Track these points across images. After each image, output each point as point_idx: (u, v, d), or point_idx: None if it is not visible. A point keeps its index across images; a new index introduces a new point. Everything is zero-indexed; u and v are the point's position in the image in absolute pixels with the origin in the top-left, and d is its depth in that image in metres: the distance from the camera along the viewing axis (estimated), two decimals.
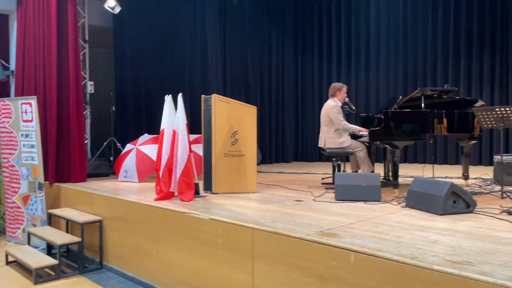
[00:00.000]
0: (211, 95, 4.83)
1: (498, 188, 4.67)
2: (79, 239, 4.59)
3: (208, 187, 4.86)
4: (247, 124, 4.88)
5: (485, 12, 8.07)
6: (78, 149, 5.78)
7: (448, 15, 8.47)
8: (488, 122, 4.49)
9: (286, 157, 9.87)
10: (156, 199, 4.36)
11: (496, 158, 5.33)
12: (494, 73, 8.08)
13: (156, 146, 5.03)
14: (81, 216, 4.83)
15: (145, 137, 6.34)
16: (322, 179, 6.19)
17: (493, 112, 4.36)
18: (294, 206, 3.98)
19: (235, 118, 4.83)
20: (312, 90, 10.15)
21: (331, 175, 5.66)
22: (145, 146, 6.06)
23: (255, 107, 5.00)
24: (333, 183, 4.86)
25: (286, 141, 9.90)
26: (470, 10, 8.24)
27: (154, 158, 5.10)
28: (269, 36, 9.59)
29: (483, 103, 5.38)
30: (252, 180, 4.90)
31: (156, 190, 4.62)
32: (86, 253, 4.81)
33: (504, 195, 4.28)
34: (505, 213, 3.49)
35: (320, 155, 9.79)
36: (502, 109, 4.27)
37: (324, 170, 7.61)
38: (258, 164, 8.55)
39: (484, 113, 4.46)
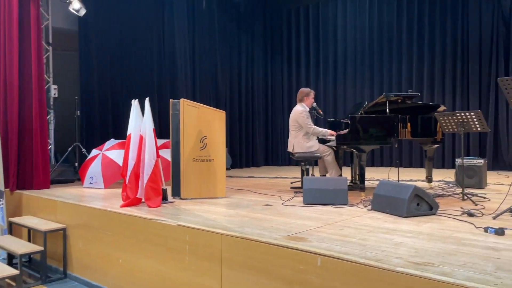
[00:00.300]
0: (179, 99, 4.79)
1: (459, 190, 4.83)
2: (41, 248, 4.43)
3: (176, 192, 4.80)
4: (216, 129, 4.86)
5: (447, 22, 8.36)
6: (41, 155, 5.60)
7: (412, 24, 8.73)
8: (450, 127, 4.65)
9: (256, 162, 9.88)
10: (123, 206, 4.27)
11: (458, 161, 5.52)
12: (456, 79, 8.37)
13: (122, 152, 4.92)
14: (43, 224, 4.67)
15: (112, 142, 6.22)
16: (291, 183, 6.23)
17: (454, 117, 4.51)
18: (263, 211, 3.98)
19: (204, 123, 4.80)
20: (282, 95, 10.23)
21: (300, 179, 5.70)
22: (111, 151, 5.94)
23: (224, 111, 4.99)
24: (302, 187, 4.90)
25: (256, 145, 9.91)
26: (432, 20, 8.52)
27: (121, 163, 4.99)
28: (239, 42, 9.61)
29: (445, 108, 5.56)
30: (221, 185, 4.87)
31: (122, 197, 4.52)
32: (49, 263, 4.64)
33: (465, 197, 4.42)
34: (466, 215, 3.61)
35: (290, 159, 9.85)
36: (463, 114, 4.43)
37: (293, 174, 7.65)
38: (227, 168, 8.53)
39: (445, 118, 4.61)
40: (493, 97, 7.94)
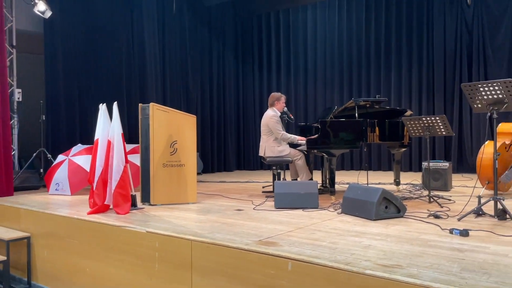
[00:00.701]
0: (149, 104, 4.72)
1: (426, 193, 4.95)
2: (4, 258, 4.25)
3: (146, 198, 4.72)
4: (186, 134, 4.82)
5: (413, 30, 8.58)
6: (3, 161, 5.38)
7: (380, 32, 8.92)
8: (416, 131, 4.77)
9: (228, 166, 9.84)
10: (90, 213, 4.16)
11: (424, 164, 5.66)
12: (422, 85, 8.61)
13: (90, 157, 4.80)
14: (6, 233, 4.48)
15: (79, 147, 6.07)
16: (263, 187, 6.24)
17: (420, 121, 4.63)
18: (234, 216, 3.97)
19: (174, 127, 4.76)
20: (253, 99, 10.24)
21: (272, 184, 5.71)
22: (78, 157, 5.79)
23: (195, 116, 4.96)
24: (273, 191, 4.91)
25: (228, 150, 9.87)
26: (399, 28, 8.74)
27: (88, 169, 4.86)
28: (210, 46, 9.57)
29: (412, 112, 5.70)
30: (192, 190, 4.83)
31: (89, 204, 4.42)
32: (12, 273, 4.46)
33: (431, 200, 4.54)
34: (432, 217, 3.70)
35: (261, 164, 9.86)
36: (428, 118, 4.56)
37: (265, 178, 7.67)
38: (199, 173, 8.46)
39: (412, 122, 4.72)
40: (457, 102, 8.21)
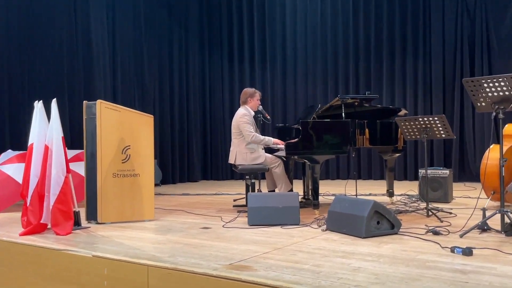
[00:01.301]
0: (95, 101, 4.66)
1: (423, 205, 5.05)
2: None
3: (92, 216, 4.67)
4: (142, 137, 4.79)
5: (407, 16, 8.80)
6: None
7: (370, 16, 9.11)
8: (412, 133, 4.87)
9: (192, 176, 9.78)
10: (23, 234, 4.08)
11: (421, 172, 5.78)
12: (417, 80, 8.81)
13: (22, 166, 4.68)
14: None
15: (8, 154, 5.97)
16: (234, 200, 6.23)
17: (416, 122, 4.73)
18: (200, 235, 3.96)
19: (127, 130, 4.72)
20: (222, 96, 10.23)
21: (245, 196, 5.70)
22: (7, 165, 5.70)
23: (152, 116, 4.94)
24: (246, 205, 4.90)
25: (193, 156, 9.82)
26: (392, 13, 8.95)
27: (20, 181, 4.75)
28: (170, 33, 9.51)
29: (407, 112, 5.81)
30: (148, 205, 4.80)
31: (22, 223, 4.32)
32: None
33: (430, 213, 4.64)
34: (430, 233, 3.77)
35: (232, 173, 9.85)
36: (425, 119, 4.66)
37: (236, 190, 7.67)
38: (157, 185, 8.38)
39: (407, 123, 4.82)
40: (458, 100, 8.45)
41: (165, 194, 7.47)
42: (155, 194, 5.04)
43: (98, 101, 4.65)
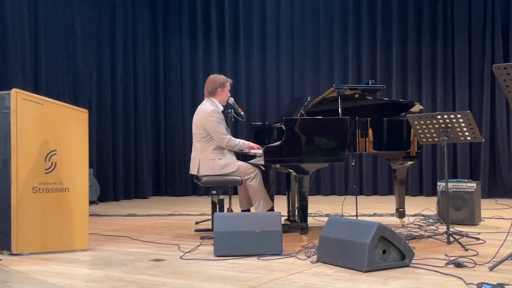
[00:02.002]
0: (9, 90, 4.58)
1: (443, 228, 5.08)
2: None
3: (4, 244, 4.58)
4: (73, 139, 4.74)
5: None
6: None
7: None
8: (428, 135, 4.90)
9: (141, 190, 9.70)
10: None
11: (440, 185, 5.83)
12: (436, 67, 8.93)
13: None
14: None
15: None
16: (197, 223, 6.19)
17: (434, 121, 4.76)
18: (150, 270, 3.93)
19: (52, 129, 4.66)
20: (182, 85, 10.17)
21: (210, 217, 5.66)
22: None
23: (87, 111, 4.88)
24: (212, 230, 4.86)
25: (142, 164, 9.73)
26: None
27: None
28: (112, 2, 9.41)
29: (422, 107, 5.85)
30: (81, 230, 4.74)
31: None
32: None
33: (451, 239, 4.67)
34: (452, 265, 3.79)
35: (194, 186, 9.79)
36: (446, 116, 4.69)
37: (199, 209, 7.62)
38: (93, 202, 8.29)
39: (422, 122, 4.84)
40: (488, 92, 8.57)
41: (104, 215, 7.39)
42: (90, 215, 5.00)
43: (14, 90, 4.57)
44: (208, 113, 5.33)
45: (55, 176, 4.66)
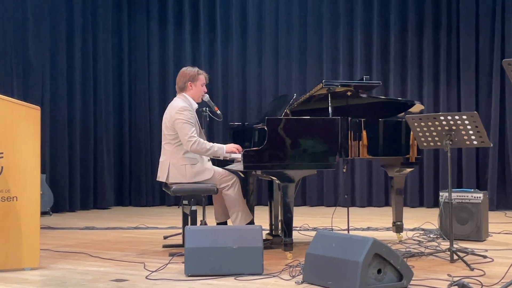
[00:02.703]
0: None
1: (446, 244, 5.11)
2: None
3: None
4: (23, 140, 4.71)
5: None
6: None
7: None
8: (429, 139, 4.92)
9: (101, 200, 9.64)
10: None
11: (443, 196, 5.86)
12: (439, 61, 8.99)
13: None
14: None
15: None
16: (165, 238, 6.16)
17: (436, 123, 4.79)
18: None
19: None
20: (149, 79, 10.12)
21: (181, 231, 5.64)
22: None
23: (39, 108, 4.85)
24: (183, 246, 4.84)
25: (102, 171, 9.67)
26: None
27: None
28: None
29: (423, 107, 5.89)
30: (31, 245, 4.70)
31: None
32: None
33: (455, 257, 4.69)
34: (456, 287, 3.81)
35: (162, 195, 9.77)
36: (450, 117, 4.72)
37: (168, 221, 7.60)
38: (46, 213, 8.25)
39: (423, 123, 4.87)
40: (497, 90, 8.65)
41: (58, 227, 7.34)
42: (42, 228, 4.96)
43: None
44: (177, 111, 5.31)
45: (1, 183, 4.63)
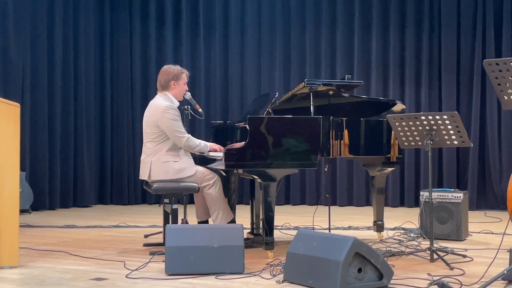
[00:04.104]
0: None
1: (426, 244, 5.13)
2: None
3: None
4: (2, 137, 4.66)
5: None
6: None
7: None
8: (410, 138, 4.94)
9: (82, 198, 9.59)
10: None
11: (423, 195, 5.89)
12: (420, 61, 9.03)
13: None
14: None
15: None
16: (146, 236, 6.16)
17: (418, 122, 4.80)
18: None
19: None
20: (132, 77, 10.08)
21: (162, 230, 5.63)
22: None
23: (19, 105, 4.81)
24: (163, 244, 4.83)
25: (83, 168, 9.62)
26: None
27: None
28: None
29: (404, 107, 5.90)
30: (9, 243, 4.66)
31: None
32: None
33: (435, 256, 4.71)
34: (436, 286, 3.81)
35: (144, 194, 9.73)
36: (431, 117, 4.73)
37: (149, 220, 7.59)
38: (25, 211, 8.21)
39: (404, 123, 4.88)
40: (477, 91, 8.70)
41: (37, 226, 7.30)
42: (21, 226, 4.93)
43: None
44: (163, 109, 5.30)
45: None
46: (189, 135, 5.32)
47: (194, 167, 5.35)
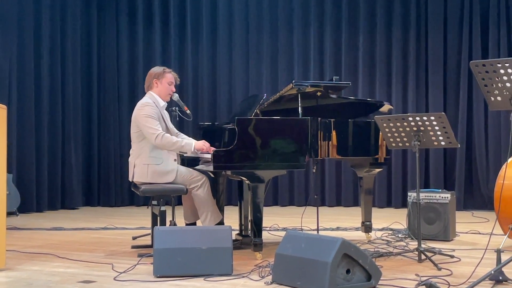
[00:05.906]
0: None
1: (414, 244, 5.16)
2: None
3: None
4: None
5: None
6: None
7: None
8: (398, 139, 4.96)
9: (70, 200, 9.56)
10: None
11: (411, 196, 5.91)
12: (407, 62, 9.06)
13: None
14: None
15: None
16: (134, 238, 6.14)
17: (405, 123, 4.82)
18: None
19: None
20: (118, 79, 10.05)
21: (150, 232, 5.62)
22: None
23: (5, 106, 4.80)
24: (152, 246, 4.82)
25: (70, 170, 9.59)
26: None
27: None
28: None
29: (391, 107, 5.93)
30: None
31: None
32: None
33: (422, 257, 4.73)
34: (423, 287, 3.82)
35: (132, 196, 9.71)
36: (418, 118, 4.75)
37: (137, 222, 7.59)
38: (12, 213, 8.19)
39: (391, 124, 4.90)
40: (464, 92, 8.74)
41: (24, 228, 7.27)
42: (8, 229, 4.92)
43: None
44: (140, 107, 5.32)
45: None
46: (164, 132, 5.24)
47: (176, 170, 5.31)
